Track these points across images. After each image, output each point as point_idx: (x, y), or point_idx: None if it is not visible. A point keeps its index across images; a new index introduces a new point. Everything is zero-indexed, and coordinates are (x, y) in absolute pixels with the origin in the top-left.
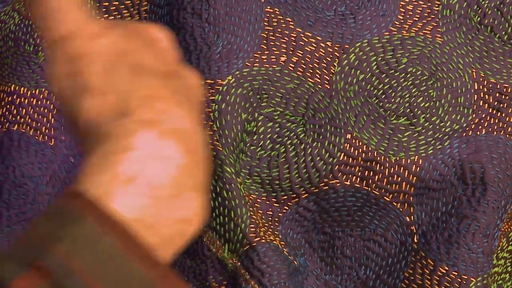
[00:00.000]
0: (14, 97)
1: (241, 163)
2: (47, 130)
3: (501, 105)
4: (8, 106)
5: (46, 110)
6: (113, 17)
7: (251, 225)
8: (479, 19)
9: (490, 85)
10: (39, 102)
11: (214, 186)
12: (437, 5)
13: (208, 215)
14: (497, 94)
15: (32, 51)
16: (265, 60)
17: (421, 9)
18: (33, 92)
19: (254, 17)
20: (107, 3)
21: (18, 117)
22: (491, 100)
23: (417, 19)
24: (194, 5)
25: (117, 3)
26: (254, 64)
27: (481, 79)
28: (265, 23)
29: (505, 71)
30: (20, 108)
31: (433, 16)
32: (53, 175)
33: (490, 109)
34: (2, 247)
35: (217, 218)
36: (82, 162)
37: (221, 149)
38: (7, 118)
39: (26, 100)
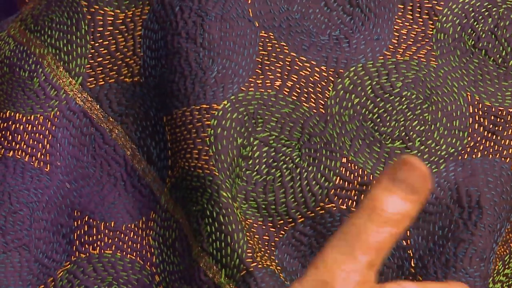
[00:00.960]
0: (10, 123)
1: (237, 188)
2: (42, 156)
3: (496, 128)
4: (3, 132)
5: (41, 136)
6: (107, 42)
7: (248, 250)
8: (473, 42)
9: (485, 108)
10: (34, 128)
11: (210, 212)
12: (431, 29)
13: (205, 241)
14: (492, 117)
15: (27, 77)
16: (260, 85)
17: (415, 33)
18: (28, 118)
19: (249, 41)
20: (101, 28)
21: (13, 143)
22: (486, 123)
23: (411, 43)
24: (188, 30)
25: (111, 28)
26: (249, 89)
27: (476, 102)
28: (259, 48)
29: (500, 94)
30: (15, 134)
31: (427, 40)
32: (49, 201)
33: (485, 132)
34: None
35: (214, 243)
36: (78, 187)
37: (217, 174)
38: (2, 145)
39: (21, 126)
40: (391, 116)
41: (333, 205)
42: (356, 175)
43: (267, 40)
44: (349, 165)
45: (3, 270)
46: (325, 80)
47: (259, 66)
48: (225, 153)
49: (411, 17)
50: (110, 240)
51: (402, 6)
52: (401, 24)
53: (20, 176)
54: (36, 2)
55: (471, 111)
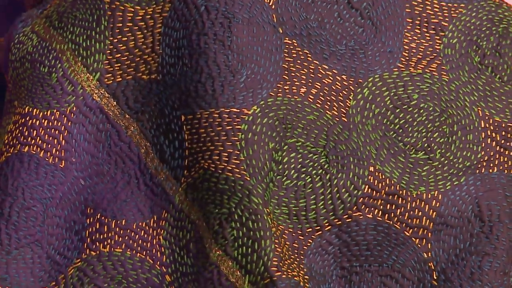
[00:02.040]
0: (27, 118)
1: (270, 193)
2: (57, 152)
3: (508, 143)
4: (20, 128)
5: (57, 131)
6: (126, 38)
7: (274, 258)
8: (479, 59)
9: (496, 124)
10: (50, 123)
11: (239, 216)
12: (438, 44)
13: (230, 245)
14: (503, 133)
15: (46, 72)
16: (287, 91)
17: (423, 47)
18: (45, 113)
19: (275, 47)
20: (120, 24)
21: (29, 139)
22: (498, 138)
23: (421, 56)
24: (216, 31)
25: (130, 24)
26: (278, 94)
27: (486, 117)
28: (285, 54)
29: (508, 111)
30: (32, 130)
31: (436, 55)
32: (63, 197)
33: (498, 147)
34: (10, 270)
35: (240, 248)
36: (92, 184)
37: (248, 178)
38: (19, 140)
39: (38, 122)
40: (412, 127)
41: (360, 213)
42: (383, 184)
43: (291, 47)
44: (377, 174)
45: (15, 266)
46: (346, 89)
47: (286, 72)
48: (257, 158)
49: (419, 31)
50: (120, 239)
51: (410, 20)
52: (410, 38)
53: (34, 171)
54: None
55: (483, 125)
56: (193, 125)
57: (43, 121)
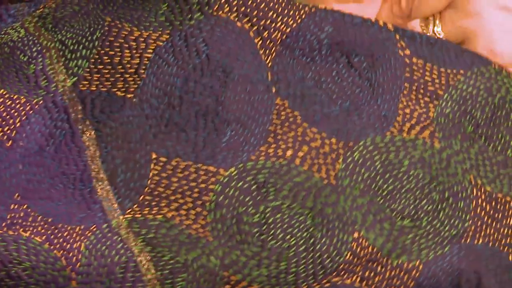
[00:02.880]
0: None
1: (249, 254)
2: (9, 131)
3: (496, 215)
4: None
5: (16, 113)
6: (113, 53)
7: None
8: (472, 129)
9: (487, 193)
10: (13, 105)
11: (194, 270)
12: (432, 112)
13: None
14: (493, 203)
15: (25, 61)
16: (271, 154)
17: (417, 113)
18: (12, 96)
19: (265, 108)
20: (112, 38)
21: None
22: (487, 209)
23: (414, 122)
24: (213, 84)
25: (122, 41)
26: (260, 158)
27: (478, 186)
28: (273, 116)
29: (499, 181)
30: None
31: (429, 121)
32: None
33: (486, 217)
34: None
35: None
36: (29, 172)
37: (211, 239)
38: None
39: (2, 99)
40: (400, 194)
41: (339, 279)
42: (366, 252)
43: (282, 108)
44: (361, 240)
45: None
46: (335, 153)
47: (272, 135)
48: (223, 222)
49: (414, 97)
50: (43, 230)
51: (408, 85)
52: (405, 103)
53: None
54: (59, 5)
55: (474, 193)
56: (166, 169)
57: (7, 101)
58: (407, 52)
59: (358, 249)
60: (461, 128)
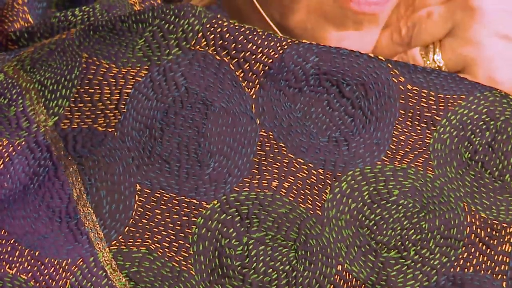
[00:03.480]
0: None
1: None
2: None
3: (491, 241)
4: None
5: None
6: (93, 90)
7: None
8: (470, 155)
9: (482, 220)
10: None
11: None
12: (428, 138)
13: None
14: (488, 229)
15: (5, 104)
16: (256, 185)
17: (413, 140)
18: None
19: (248, 140)
20: (91, 76)
21: None
22: (482, 235)
23: (408, 149)
24: (193, 116)
25: (101, 78)
26: (244, 189)
27: (472, 213)
28: (258, 147)
29: (495, 208)
30: None
31: (425, 148)
32: None
33: (480, 244)
34: None
35: None
36: (14, 209)
37: (193, 273)
38: None
39: None
40: (387, 224)
41: None
42: (349, 284)
43: (266, 139)
44: (344, 273)
45: None
46: (322, 183)
47: (256, 166)
48: (206, 255)
49: (410, 124)
50: (29, 267)
51: (403, 112)
52: (400, 130)
53: None
54: (37, 47)
55: (468, 220)
56: (149, 201)
57: None
58: (401, 79)
59: (341, 282)
60: (457, 155)
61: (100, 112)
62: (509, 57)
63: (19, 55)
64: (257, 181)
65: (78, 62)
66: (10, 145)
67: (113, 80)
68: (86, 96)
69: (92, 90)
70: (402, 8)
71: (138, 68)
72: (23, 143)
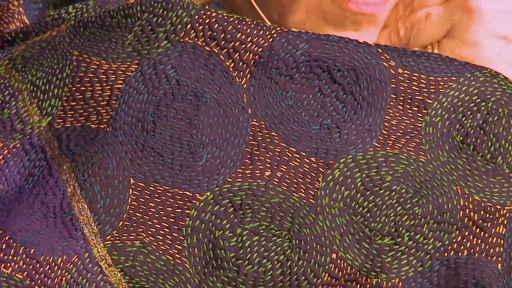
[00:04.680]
0: None
1: (224, 280)
2: None
3: (485, 223)
4: None
5: None
6: (84, 88)
7: None
8: (461, 138)
9: (475, 202)
10: None
11: None
12: (420, 122)
13: None
14: (482, 212)
15: None
16: (249, 175)
17: (404, 124)
18: None
19: (240, 130)
20: (82, 74)
21: None
22: (476, 218)
23: (400, 134)
24: (185, 107)
25: (92, 75)
26: (237, 180)
27: (466, 196)
28: (250, 138)
29: (488, 190)
30: None
31: (416, 132)
32: None
33: (474, 227)
34: None
35: None
36: (8, 208)
37: (188, 266)
38: None
39: None
40: (381, 211)
41: None
42: (344, 272)
43: (258, 129)
44: (338, 261)
45: None
46: (315, 171)
47: (248, 156)
48: (199, 247)
49: (401, 108)
50: (24, 266)
51: (394, 96)
52: (391, 115)
53: None
54: (28, 45)
55: (462, 203)
56: (143, 194)
57: None
58: (392, 63)
59: (336, 270)
60: (449, 138)
61: (92, 109)
62: (507, 57)
63: (10, 53)
64: (249, 171)
65: (69, 60)
66: (5, 148)
67: (104, 77)
68: (78, 94)
69: (84, 88)
70: (400, 9)
71: (128, 63)
72: (18, 145)
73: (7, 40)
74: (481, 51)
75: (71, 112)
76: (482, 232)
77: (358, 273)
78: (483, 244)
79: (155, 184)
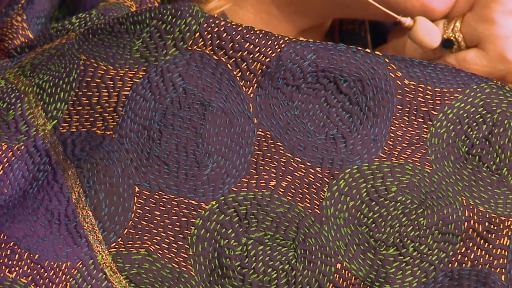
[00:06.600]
0: None
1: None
2: None
3: (489, 235)
4: None
5: None
6: (91, 93)
7: None
8: (467, 149)
9: (480, 213)
10: None
11: None
12: (425, 133)
13: None
14: (486, 223)
15: (4, 108)
16: (254, 185)
17: (410, 135)
18: None
19: (246, 140)
20: (89, 79)
21: None
22: (480, 229)
23: (406, 145)
24: (191, 116)
25: (99, 81)
26: (242, 189)
27: (471, 207)
28: (255, 147)
29: (493, 201)
30: None
31: (422, 143)
32: None
33: (478, 238)
34: None
35: None
36: (12, 213)
37: (193, 274)
38: None
39: None
40: (386, 222)
41: None
42: (348, 282)
43: (263, 139)
44: (343, 271)
45: None
46: (320, 182)
47: (254, 166)
48: (205, 255)
49: (407, 119)
50: (29, 270)
51: (400, 107)
52: (397, 125)
53: None
54: (38, 53)
55: (466, 214)
56: (148, 203)
57: None
58: (398, 74)
59: (341, 280)
60: (455, 149)
61: (98, 115)
62: None
63: (20, 61)
64: (255, 181)
65: (76, 65)
66: (10, 150)
67: (111, 82)
68: (85, 99)
69: (90, 93)
70: None
71: (136, 70)
72: (22, 147)
73: (13, 56)
74: (496, 28)
75: (76, 117)
76: (486, 244)
77: (363, 283)
78: (487, 256)
79: (160, 192)
